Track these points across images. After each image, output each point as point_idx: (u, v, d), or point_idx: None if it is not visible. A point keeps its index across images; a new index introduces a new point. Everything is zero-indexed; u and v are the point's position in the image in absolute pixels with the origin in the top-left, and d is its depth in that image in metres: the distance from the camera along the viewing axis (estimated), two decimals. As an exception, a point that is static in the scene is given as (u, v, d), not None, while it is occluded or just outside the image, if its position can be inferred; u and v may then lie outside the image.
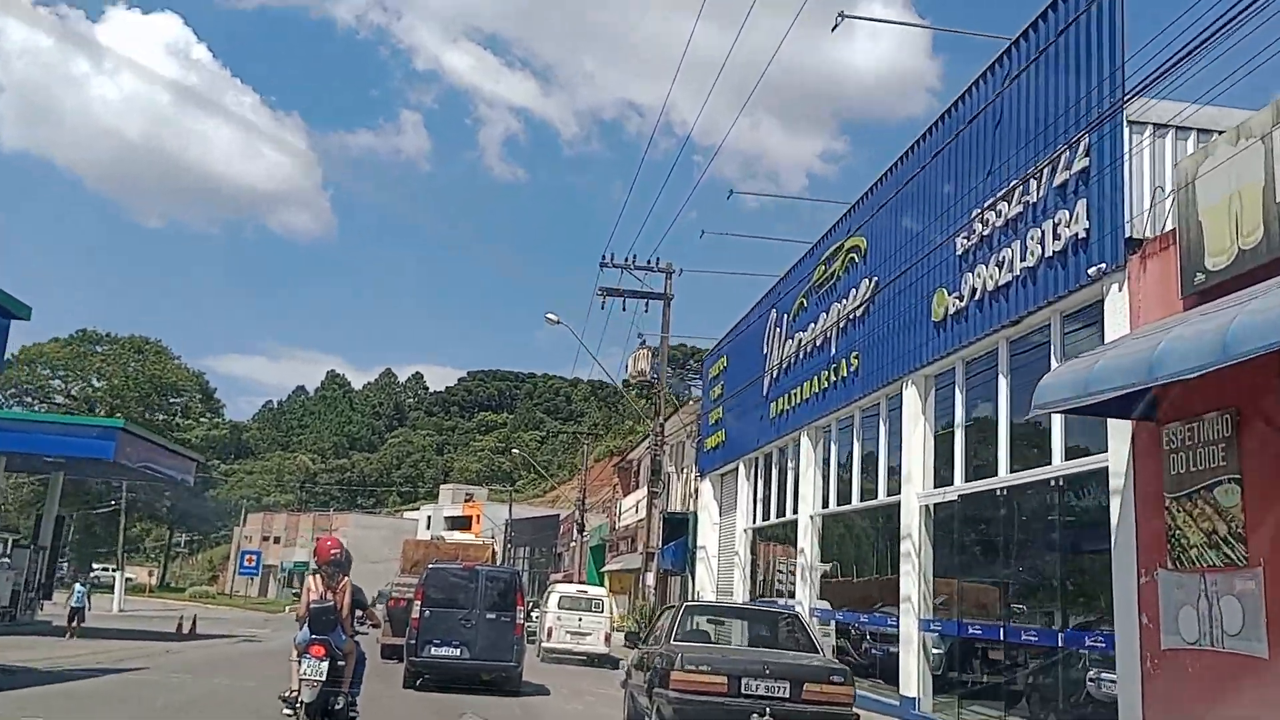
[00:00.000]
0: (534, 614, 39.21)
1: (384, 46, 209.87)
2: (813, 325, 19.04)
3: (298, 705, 8.97)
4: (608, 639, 27.53)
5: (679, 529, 28.99)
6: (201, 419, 76.32)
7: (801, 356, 19.55)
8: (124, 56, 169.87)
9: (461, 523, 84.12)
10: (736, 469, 24.53)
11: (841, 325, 17.52)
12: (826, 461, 18.74)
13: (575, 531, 57.35)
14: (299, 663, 9.05)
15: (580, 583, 29.23)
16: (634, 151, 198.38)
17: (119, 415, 53.46)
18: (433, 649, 15.80)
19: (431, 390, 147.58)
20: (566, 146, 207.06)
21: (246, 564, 58.94)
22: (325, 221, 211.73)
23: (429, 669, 15.95)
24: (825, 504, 18.75)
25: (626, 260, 28.92)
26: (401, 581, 21.73)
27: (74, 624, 26.10)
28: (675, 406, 28.85)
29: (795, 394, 19.82)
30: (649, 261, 29.07)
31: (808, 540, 18.87)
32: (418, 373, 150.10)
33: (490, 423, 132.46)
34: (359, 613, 9.79)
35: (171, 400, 72.34)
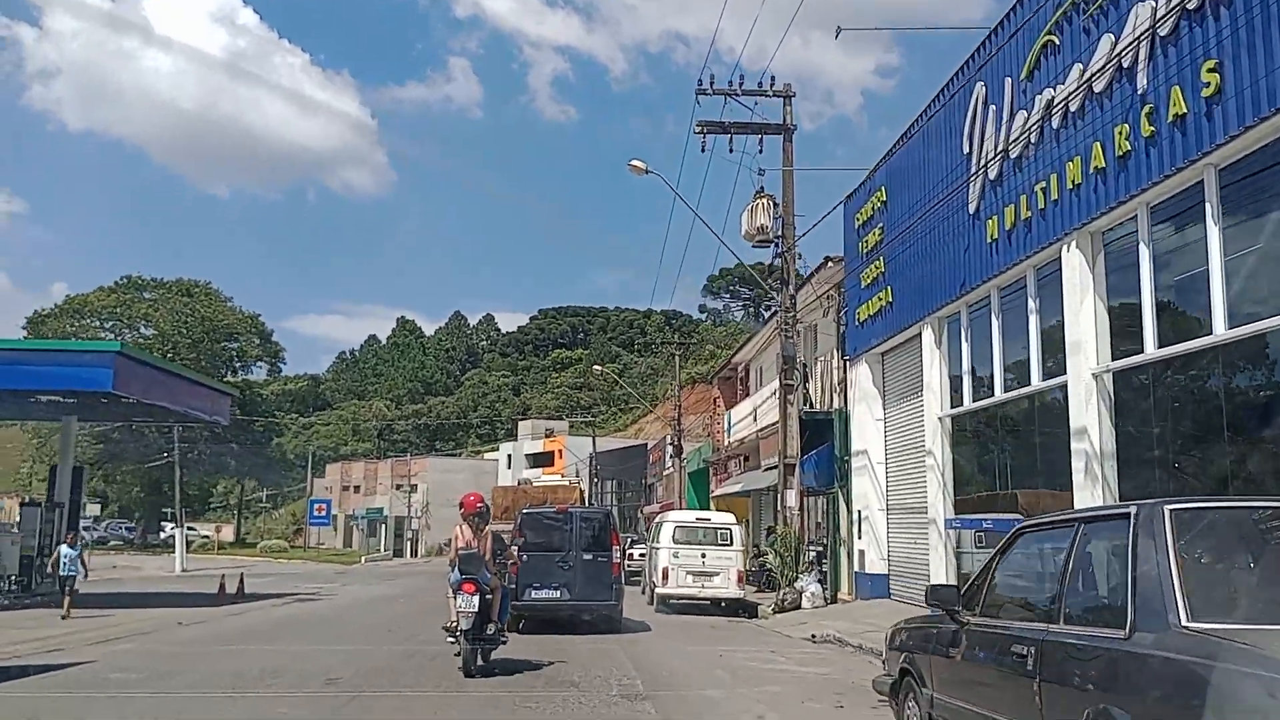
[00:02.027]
0: (636, 552, 32.79)
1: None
2: (1079, 66, 11.45)
3: (458, 633, 10.34)
4: (741, 579, 20.54)
5: (819, 434, 21.75)
6: (259, 362, 70.55)
7: (1055, 126, 12.03)
8: (172, 27, 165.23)
9: (543, 459, 78.04)
10: (918, 337, 17.14)
11: (1162, 37, 9.92)
12: (1134, 281, 11.19)
13: (668, 458, 50.63)
14: (455, 599, 10.47)
15: (705, 506, 22.41)
16: (684, 82, 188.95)
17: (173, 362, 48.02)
18: (533, 592, 15.73)
19: (504, 332, 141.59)
20: (615, 83, 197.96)
21: (316, 514, 53.41)
22: (384, 177, 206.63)
23: (531, 611, 15.70)
24: (1122, 353, 11.34)
25: (730, 85, 21.38)
26: (493, 529, 19.29)
27: (68, 595, 19.95)
28: (798, 278, 21.39)
29: (1044, 190, 12.32)
30: (760, 84, 21.50)
31: (1093, 413, 11.45)
32: (488, 314, 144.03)
33: (565, 359, 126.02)
34: (499, 555, 11.37)
35: (226, 345, 66.51)
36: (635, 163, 21.54)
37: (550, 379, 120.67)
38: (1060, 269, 12.14)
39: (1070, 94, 11.54)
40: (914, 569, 17.90)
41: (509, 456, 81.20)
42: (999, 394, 14.20)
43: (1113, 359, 11.38)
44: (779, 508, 20.77)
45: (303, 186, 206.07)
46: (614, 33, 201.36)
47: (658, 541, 21.29)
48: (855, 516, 20.11)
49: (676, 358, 40.38)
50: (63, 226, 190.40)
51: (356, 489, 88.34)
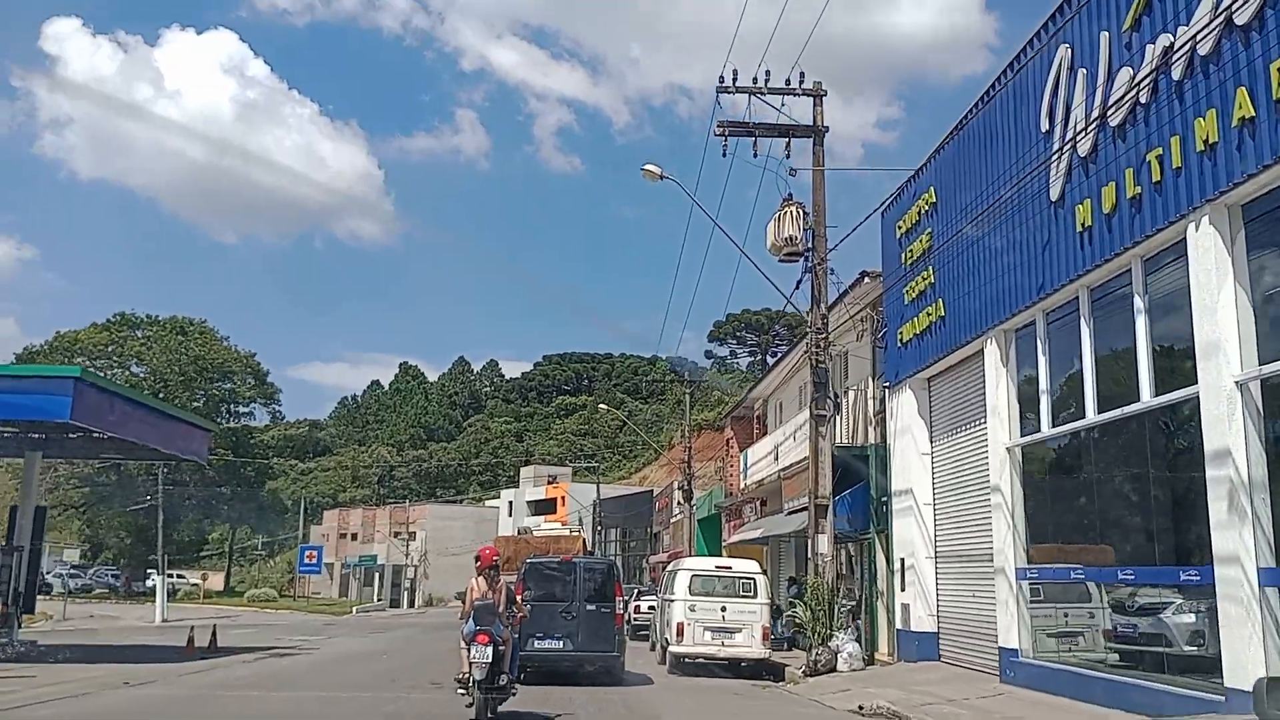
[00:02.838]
0: (645, 605, 29.96)
1: (430, 51, 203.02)
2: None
3: (470, 684, 10.51)
4: (766, 636, 17.85)
5: (852, 472, 19.19)
6: (254, 403, 67.88)
7: (1176, 78, 9.64)
8: (184, 77, 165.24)
9: (546, 507, 75.14)
10: (978, 354, 14.63)
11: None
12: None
13: (675, 504, 47.96)
14: (468, 650, 10.63)
15: (717, 555, 19.76)
16: (686, 135, 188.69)
17: (165, 401, 45.52)
18: (536, 642, 15.37)
19: (508, 378, 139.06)
20: (619, 135, 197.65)
21: (307, 561, 50.54)
22: (390, 226, 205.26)
23: (533, 662, 15.11)
24: (1276, 355, 8.80)
25: (755, 83, 19.11)
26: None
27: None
28: (823, 300, 18.87)
29: (1160, 159, 9.88)
30: (787, 81, 19.23)
31: (1237, 431, 8.88)
32: (492, 360, 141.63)
33: (569, 406, 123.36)
34: (510, 607, 11.36)
35: (220, 384, 63.85)
36: (649, 167, 19.26)
37: (554, 425, 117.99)
38: (1185, 253, 9.63)
39: (1199, 34, 9.15)
40: (970, 626, 15.24)
41: (510, 504, 78.33)
42: (1091, 415, 11.63)
43: (1262, 362, 8.86)
44: (809, 555, 18.12)
45: (310, 235, 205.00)
46: (619, 85, 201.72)
47: (671, 592, 18.62)
48: (898, 565, 17.45)
49: (688, 396, 37.91)
50: (73, 273, 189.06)
51: (354, 536, 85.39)
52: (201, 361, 60.71)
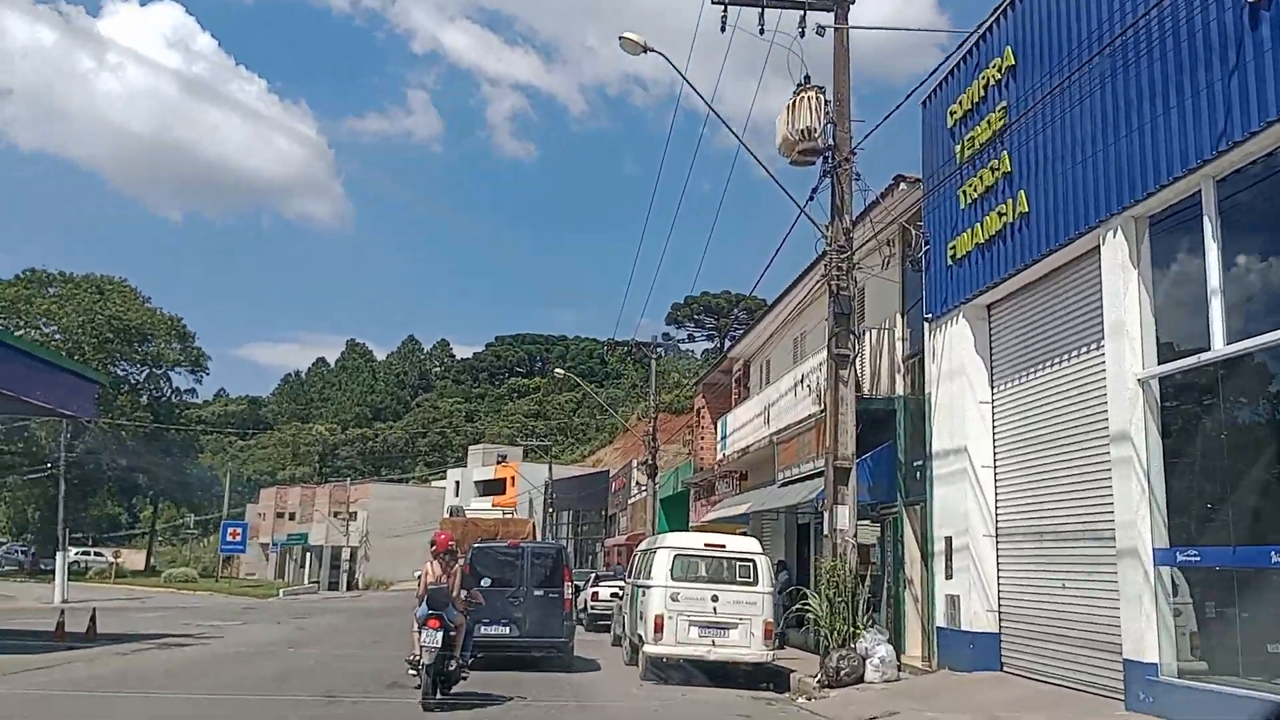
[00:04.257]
0: (605, 592, 25.73)
1: (380, 32, 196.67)
2: None
3: (420, 667, 10.53)
4: (769, 634, 13.71)
5: (874, 431, 15.15)
6: (178, 368, 62.00)
7: None
8: (128, 49, 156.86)
9: (494, 487, 70.59)
10: (1085, 257, 10.58)
11: None
12: None
13: (633, 484, 43.82)
14: (420, 633, 10.63)
15: (706, 531, 15.60)
16: (642, 124, 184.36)
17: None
18: (483, 628, 14.11)
19: (459, 358, 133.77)
20: (575, 122, 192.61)
21: (230, 539, 45.48)
22: (340, 208, 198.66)
23: (480, 648, 13.50)
24: None
25: (765, -64, 14.85)
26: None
27: None
28: (848, 213, 14.65)
29: None
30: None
31: None
32: (443, 340, 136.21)
33: (521, 388, 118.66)
34: (464, 592, 11.42)
35: (141, 347, 58.06)
36: (629, 35, 14.98)
37: (505, 407, 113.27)
38: None
39: None
40: (1056, 628, 11.20)
41: (457, 484, 73.62)
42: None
43: None
44: (825, 532, 13.96)
45: (258, 214, 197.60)
46: (575, 72, 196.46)
47: (647, 577, 14.38)
48: (939, 546, 13.37)
49: (654, 361, 33.72)
50: (4, 244, 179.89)
51: (292, 516, 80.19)
52: (119, 322, 54.89)
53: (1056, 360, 11.43)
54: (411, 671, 10.79)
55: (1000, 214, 11.97)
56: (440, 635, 10.47)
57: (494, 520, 33.41)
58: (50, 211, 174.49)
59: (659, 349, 38.55)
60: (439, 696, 10.61)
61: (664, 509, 34.63)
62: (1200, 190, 8.81)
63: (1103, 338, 10.14)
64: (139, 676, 13.86)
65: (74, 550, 57.55)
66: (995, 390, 12.91)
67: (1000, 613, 12.40)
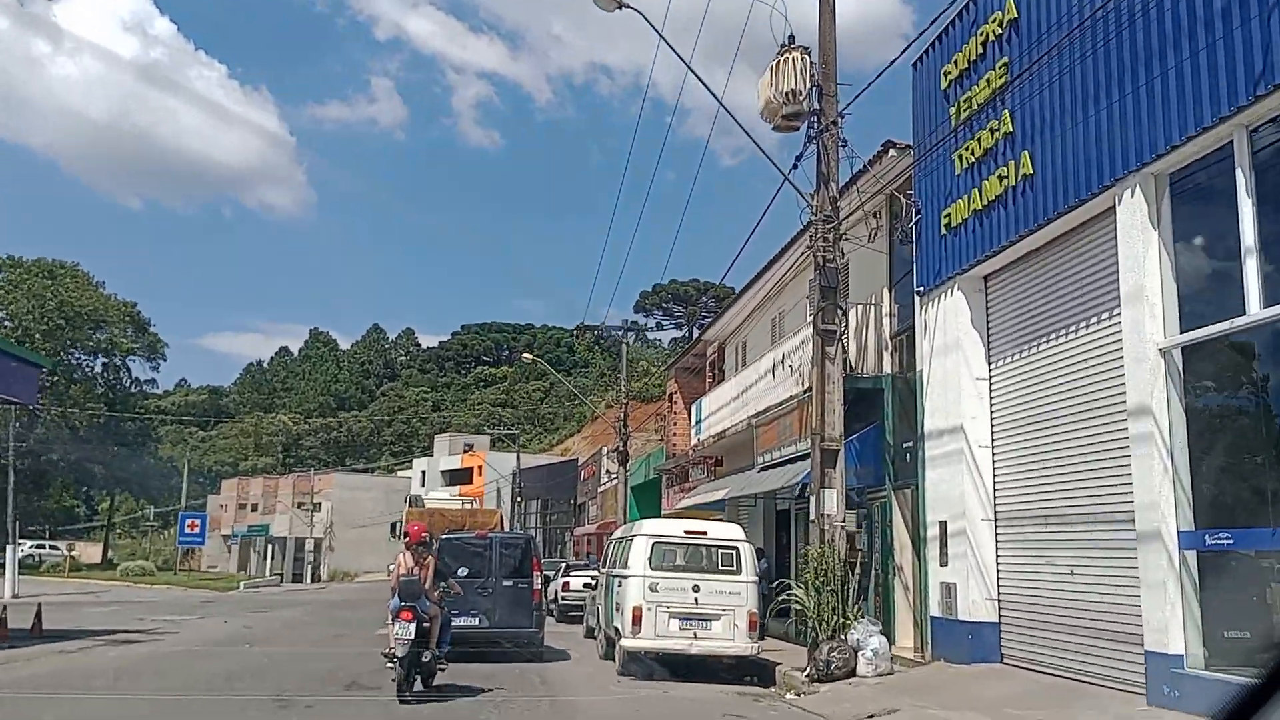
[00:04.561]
0: (578, 581, 24.90)
1: (341, 18, 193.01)
2: None
3: (394, 659, 10.27)
4: (753, 625, 12.93)
5: (861, 411, 14.37)
6: (133, 355, 60.00)
7: None
8: (84, 34, 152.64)
9: (461, 476, 69.34)
10: (1096, 220, 9.85)
11: None
12: None
13: (604, 472, 43.00)
14: (393, 625, 10.41)
15: (683, 518, 14.77)
16: (607, 113, 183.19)
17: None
18: (452, 619, 12.84)
19: (424, 347, 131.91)
20: (540, 111, 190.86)
21: (188, 531, 44.04)
22: (303, 196, 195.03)
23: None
24: None
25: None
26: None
27: None
28: (833, 184, 13.83)
29: None
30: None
31: None
32: (408, 329, 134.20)
33: (488, 377, 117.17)
34: (441, 584, 11.19)
35: (94, 334, 56.05)
36: (604, -10, 14.06)
37: (472, 396, 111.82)
38: None
39: None
40: (1054, 615, 10.53)
41: (423, 473, 72.29)
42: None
43: None
44: (812, 518, 13.17)
45: (218, 203, 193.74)
46: (541, 61, 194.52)
47: (623, 566, 13.52)
48: (933, 531, 12.62)
49: (625, 345, 32.73)
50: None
51: (254, 507, 78.55)
52: (69, 307, 52.92)
53: (1063, 332, 10.69)
54: (389, 665, 10.57)
55: (1001, 177, 11.21)
56: (413, 627, 10.35)
57: (461, 510, 32.52)
58: (6, 200, 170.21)
59: (630, 331, 37.60)
60: (412, 691, 10.46)
61: (635, 497, 33.80)
62: (1232, 141, 8.07)
63: (1118, 306, 9.39)
64: (81, 676, 12.97)
65: (28, 544, 55.76)
66: (993, 366, 12.17)
67: (1000, 601, 11.69)
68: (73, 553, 52.38)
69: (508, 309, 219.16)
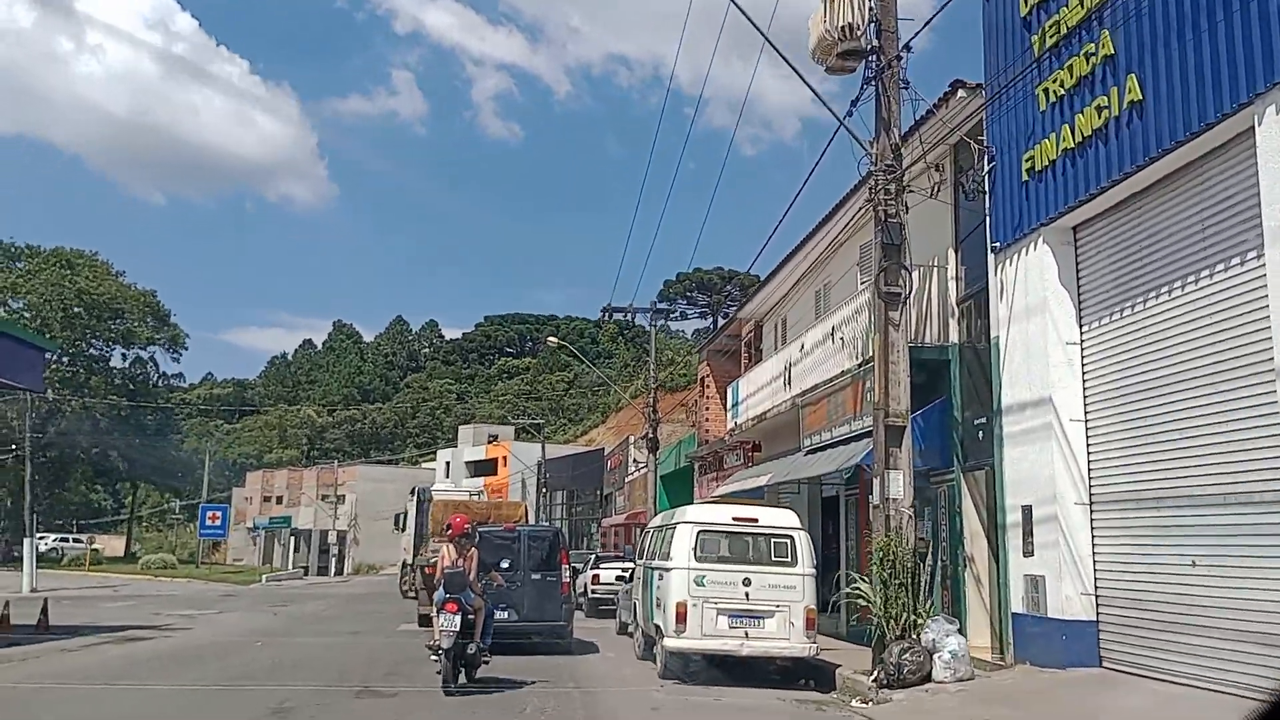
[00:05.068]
0: (610, 574, 23.58)
1: (361, 12, 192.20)
2: None
3: (440, 651, 10.27)
4: (811, 623, 11.49)
5: (925, 385, 12.84)
6: (153, 345, 59.07)
7: None
8: (106, 30, 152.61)
9: (485, 468, 68.17)
10: (1225, 148, 8.32)
11: None
12: None
13: (630, 462, 41.62)
14: (438, 617, 10.45)
15: (732, 503, 13.40)
16: (626, 105, 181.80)
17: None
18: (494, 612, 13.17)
19: (448, 339, 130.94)
20: (559, 104, 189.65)
21: (209, 523, 43.16)
22: (324, 190, 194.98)
23: None
24: None
25: None
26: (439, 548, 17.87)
27: None
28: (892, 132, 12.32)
29: None
30: None
31: None
32: (432, 320, 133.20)
33: (512, 368, 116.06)
34: (484, 576, 11.25)
35: (113, 323, 55.12)
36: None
37: (495, 387, 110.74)
38: None
39: None
40: (1169, 614, 9.04)
41: (447, 464, 71.20)
42: None
43: None
44: (877, 502, 11.68)
45: (241, 197, 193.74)
46: (559, 53, 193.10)
47: (665, 557, 12.09)
48: (1014, 517, 11.12)
49: (653, 330, 31.26)
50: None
51: (279, 499, 77.82)
52: (88, 297, 51.99)
53: (1178, 284, 9.15)
54: (434, 657, 10.54)
55: (1100, 108, 9.67)
56: (458, 619, 10.31)
57: (486, 504, 31.38)
58: (31, 195, 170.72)
59: (657, 312, 36.13)
60: (460, 682, 10.42)
61: (664, 486, 32.36)
62: None
63: (1256, 247, 7.87)
64: (72, 677, 11.94)
65: (51, 537, 55.09)
66: (1085, 329, 10.65)
67: (1098, 596, 10.19)
68: (94, 546, 51.61)
69: (530, 301, 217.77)
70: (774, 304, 22.03)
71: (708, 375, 28.52)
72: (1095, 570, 10.23)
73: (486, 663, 11.04)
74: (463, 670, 10.60)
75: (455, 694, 10.14)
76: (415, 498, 29.70)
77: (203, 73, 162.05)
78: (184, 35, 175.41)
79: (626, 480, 42.69)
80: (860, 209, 14.00)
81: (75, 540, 58.85)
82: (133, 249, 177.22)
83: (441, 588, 10.69)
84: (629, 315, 30.20)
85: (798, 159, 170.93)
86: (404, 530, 37.00)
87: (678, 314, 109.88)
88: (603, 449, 54.29)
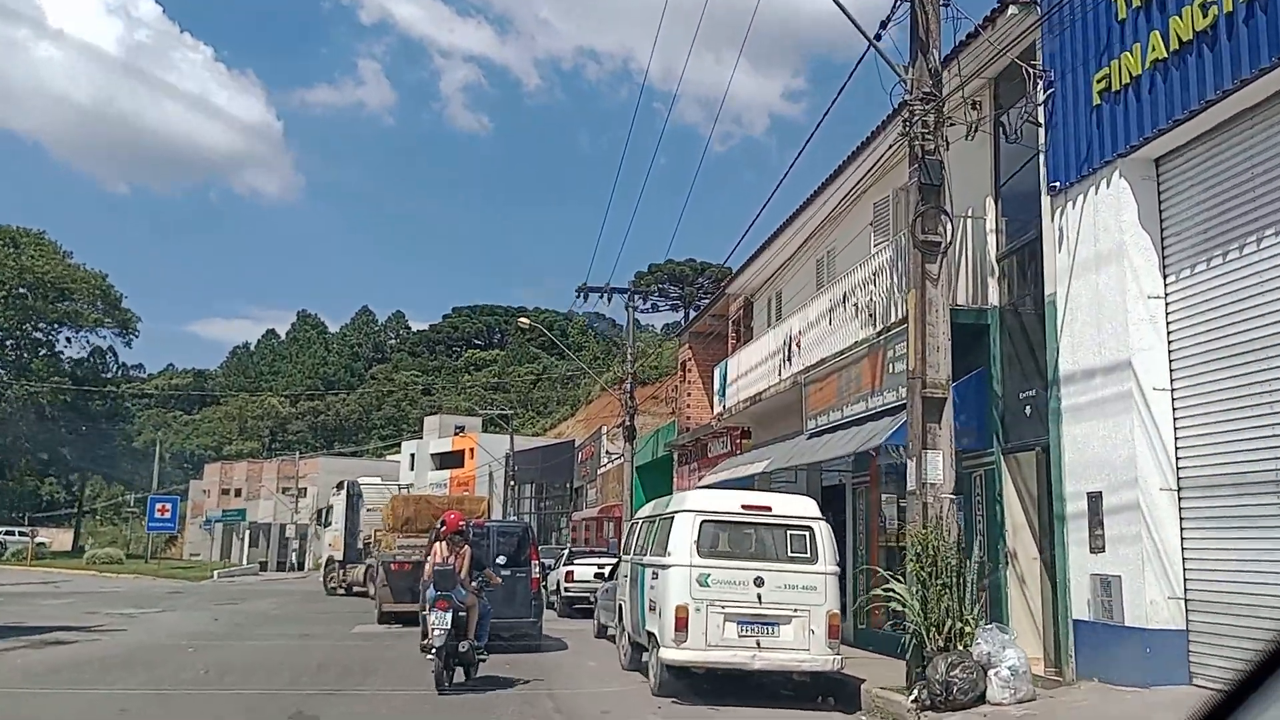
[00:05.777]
0: (581, 572, 21.63)
1: (327, 0, 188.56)
2: None
3: (432, 649, 10.16)
4: (834, 632, 9.57)
5: (960, 353, 10.99)
6: (100, 327, 56.15)
7: None
8: (66, 16, 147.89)
9: (452, 460, 65.93)
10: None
11: None
12: None
13: (604, 454, 39.77)
14: (429, 615, 10.29)
15: (735, 489, 11.51)
16: (595, 98, 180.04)
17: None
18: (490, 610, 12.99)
19: (414, 330, 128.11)
20: (529, 96, 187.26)
21: (158, 515, 40.63)
22: (291, 181, 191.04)
23: None
24: None
25: None
26: (405, 544, 18.66)
27: None
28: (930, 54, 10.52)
29: None
30: None
31: None
32: (398, 312, 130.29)
33: (479, 360, 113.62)
34: (478, 574, 10.99)
35: (59, 305, 52.11)
36: None
37: (463, 379, 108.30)
38: None
39: None
40: (1267, 619, 7.26)
41: (412, 456, 68.93)
42: None
43: None
44: (912, 487, 9.85)
45: (206, 187, 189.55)
46: (528, 45, 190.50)
47: (661, 553, 10.19)
48: (1081, 506, 9.33)
49: (630, 311, 29.11)
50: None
51: (238, 492, 75.23)
52: (31, 275, 48.99)
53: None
54: (428, 656, 10.38)
55: (1205, 4, 7.87)
56: (449, 617, 10.21)
57: (446, 499, 29.68)
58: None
59: (637, 292, 34.23)
60: (451, 683, 10.30)
61: (640, 478, 30.48)
62: None
63: None
64: None
65: (3, 531, 52.25)
66: (1169, 281, 8.86)
67: (1186, 599, 8.42)
68: (38, 540, 48.84)
69: (499, 294, 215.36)
70: (767, 278, 20.16)
71: (689, 359, 26.64)
72: (1184, 567, 8.46)
73: (483, 660, 10.96)
74: (457, 669, 10.54)
75: (448, 694, 9.94)
76: (344, 492, 27.84)
77: (166, 60, 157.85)
78: (146, 21, 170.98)
79: (599, 472, 40.77)
80: (881, 157, 12.18)
81: (21, 534, 56.02)
82: (96, 239, 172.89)
83: (432, 585, 10.53)
84: (605, 295, 28.37)
85: (767, 154, 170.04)
86: (327, 525, 34.96)
87: (649, 307, 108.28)
88: (573, 441, 52.36)
